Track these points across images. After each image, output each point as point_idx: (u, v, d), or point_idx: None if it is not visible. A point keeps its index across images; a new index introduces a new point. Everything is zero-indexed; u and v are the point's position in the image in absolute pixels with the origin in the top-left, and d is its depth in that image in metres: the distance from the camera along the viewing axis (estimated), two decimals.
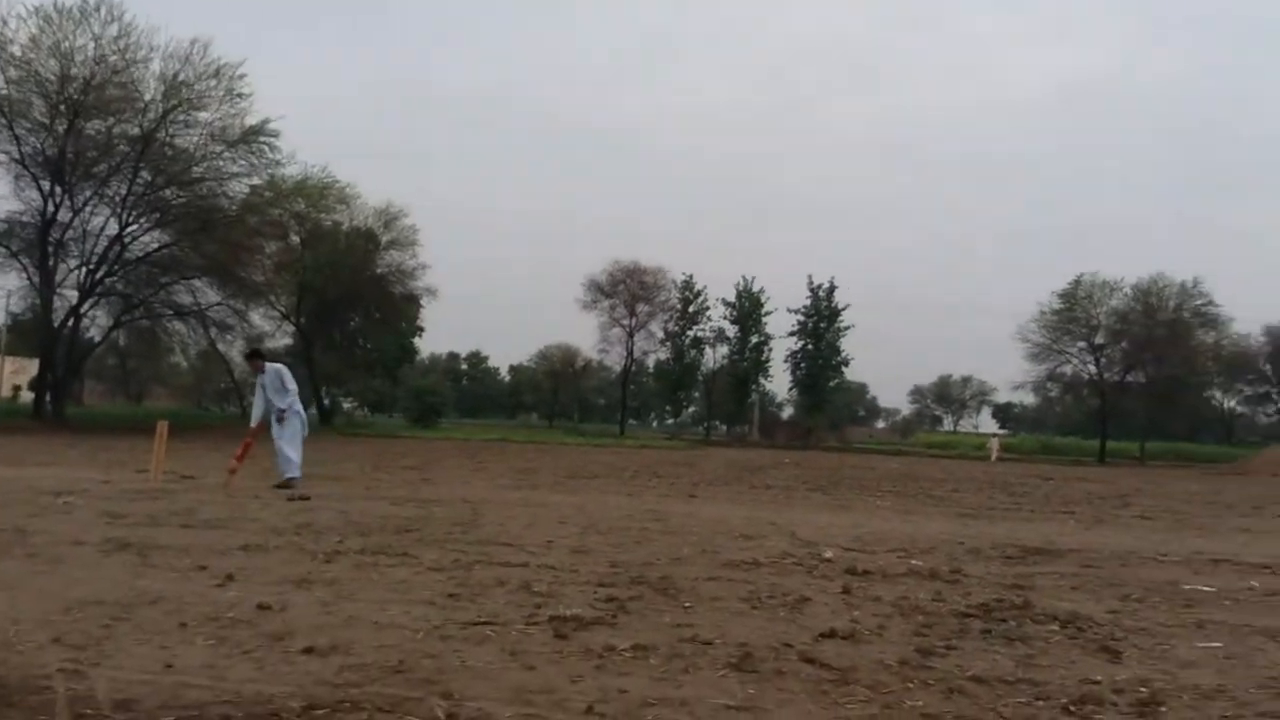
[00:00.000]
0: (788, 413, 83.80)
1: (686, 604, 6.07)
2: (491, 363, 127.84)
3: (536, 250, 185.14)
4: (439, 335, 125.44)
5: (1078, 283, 57.16)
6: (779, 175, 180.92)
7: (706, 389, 71.74)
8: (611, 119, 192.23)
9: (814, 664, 4.67)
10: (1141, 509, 17.06)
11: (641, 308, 67.63)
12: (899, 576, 7.58)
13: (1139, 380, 57.43)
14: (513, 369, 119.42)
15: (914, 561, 8.41)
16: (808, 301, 67.08)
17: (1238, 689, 4.52)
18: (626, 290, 66.98)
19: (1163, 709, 4.15)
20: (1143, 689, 4.43)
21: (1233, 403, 73.85)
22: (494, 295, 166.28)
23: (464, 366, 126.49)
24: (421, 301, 58.21)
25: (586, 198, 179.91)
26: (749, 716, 3.83)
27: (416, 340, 64.92)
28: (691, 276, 67.97)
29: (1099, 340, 56.90)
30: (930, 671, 4.61)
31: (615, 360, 72.32)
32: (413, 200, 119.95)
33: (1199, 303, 56.07)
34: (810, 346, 67.00)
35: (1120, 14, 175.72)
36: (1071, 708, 4.11)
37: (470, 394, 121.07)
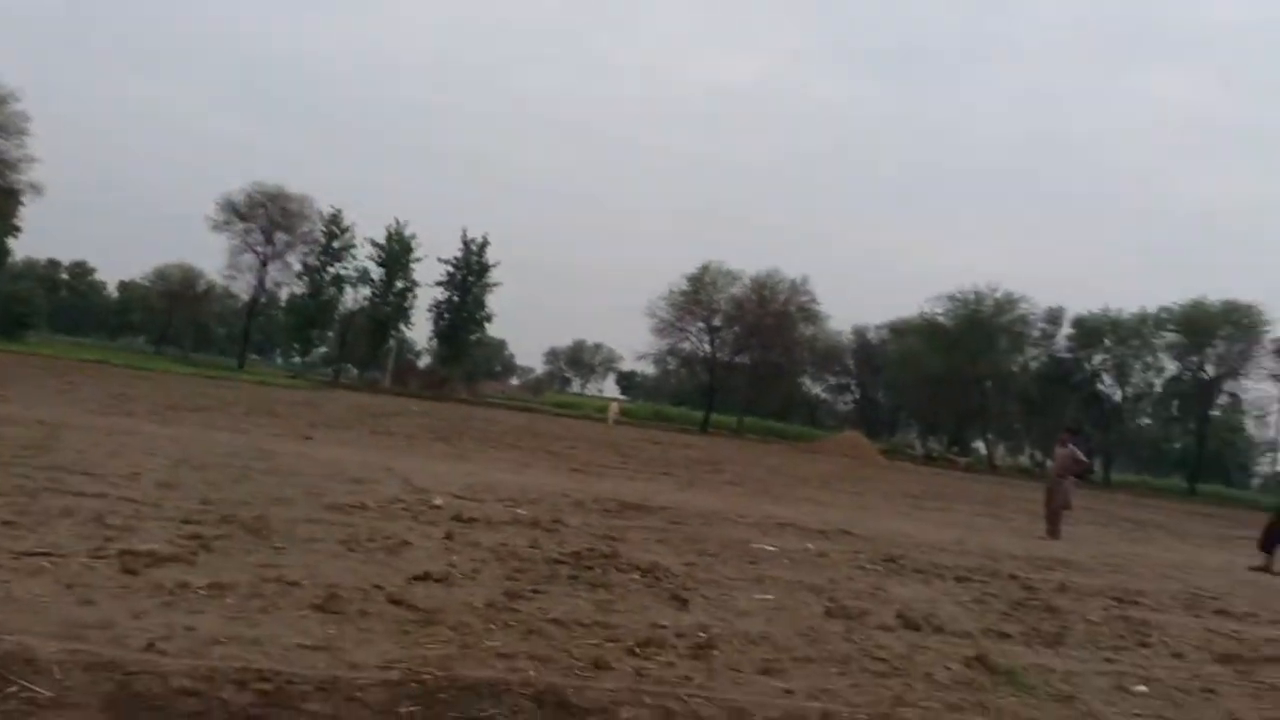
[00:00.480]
0: (425, 362, 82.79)
1: (278, 545, 5.83)
2: (99, 276, 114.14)
3: (167, 160, 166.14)
4: (40, 239, 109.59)
5: (705, 268, 61.98)
6: (455, 132, 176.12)
7: (342, 330, 68.66)
8: (290, 46, 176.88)
9: (401, 605, 4.68)
10: (731, 475, 18.80)
11: (281, 236, 63.47)
12: (502, 524, 7.79)
13: (746, 362, 63.26)
14: (123, 285, 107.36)
15: (519, 511, 8.67)
16: (459, 253, 66.46)
17: (781, 635, 5.12)
18: (266, 216, 62.48)
19: (715, 652, 4.60)
20: (702, 634, 4.89)
21: (819, 390, 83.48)
22: (113, 202, 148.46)
23: (64, 277, 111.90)
24: (22, 198, 50.92)
25: (234, 118, 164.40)
26: (325, 656, 3.77)
27: (10, 240, 56.56)
28: (340, 211, 64.74)
29: (716, 323, 62.10)
30: (514, 614, 4.79)
31: (243, 289, 67.46)
32: (30, 85, 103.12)
33: (804, 299, 62.93)
34: (456, 298, 66.39)
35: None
36: (636, 649, 4.45)
37: (69, 308, 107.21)
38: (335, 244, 64.91)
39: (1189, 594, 8.99)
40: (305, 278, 65.28)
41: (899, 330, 70.99)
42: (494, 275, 67.14)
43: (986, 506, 20.41)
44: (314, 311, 65.60)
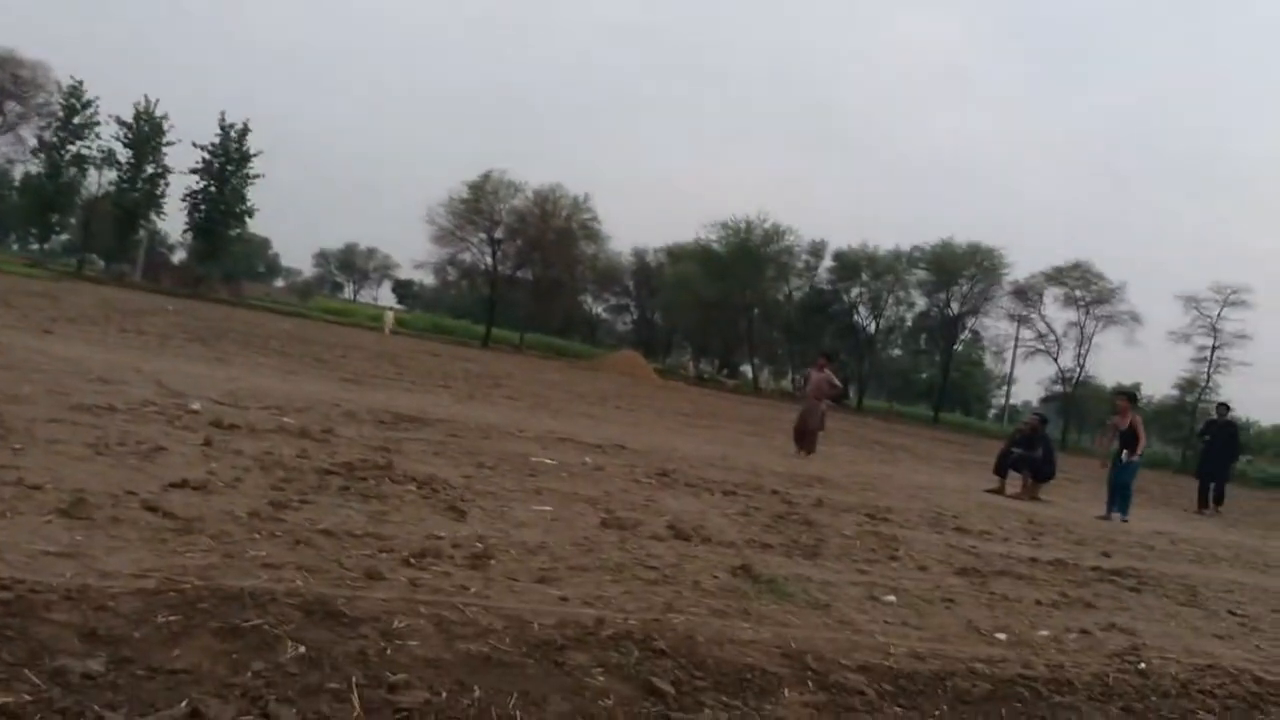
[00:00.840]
0: (179, 257, 76.93)
1: (17, 445, 5.28)
2: None
3: None
4: None
5: (487, 177, 60.30)
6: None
7: (85, 216, 62.33)
8: None
9: (157, 512, 4.35)
10: (510, 390, 18.74)
11: (11, 106, 56.59)
12: (267, 432, 7.40)
13: (527, 277, 62.78)
14: None
15: (286, 419, 8.27)
16: (217, 139, 61.39)
17: (558, 545, 5.15)
18: None
19: (492, 561, 4.56)
20: (479, 544, 4.84)
21: (599, 308, 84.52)
22: None
23: None
24: None
25: None
26: (72, 564, 3.44)
27: None
28: (82, 84, 58.09)
29: (498, 235, 60.96)
30: (280, 524, 4.55)
31: None
32: None
33: (587, 217, 62.80)
34: (213, 188, 61.39)
35: None
36: (412, 560, 4.34)
37: None
38: (76, 120, 57.85)
39: (933, 513, 9.79)
40: (42, 155, 58.31)
41: (676, 254, 72.45)
42: (256, 165, 62.40)
43: (751, 426, 21.41)
44: (52, 194, 58.52)
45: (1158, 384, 70.90)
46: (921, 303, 66.75)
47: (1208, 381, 57.39)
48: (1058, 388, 64.89)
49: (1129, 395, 14.77)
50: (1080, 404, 65.48)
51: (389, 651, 3.14)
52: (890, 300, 66.70)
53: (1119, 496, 13.04)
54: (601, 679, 3.24)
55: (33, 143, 57.54)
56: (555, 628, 3.67)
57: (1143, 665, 4.68)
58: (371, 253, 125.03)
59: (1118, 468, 13.18)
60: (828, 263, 66.96)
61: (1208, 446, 18.33)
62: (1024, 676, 4.15)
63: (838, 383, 16.42)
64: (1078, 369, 62.44)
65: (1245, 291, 56.40)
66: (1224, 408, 19.05)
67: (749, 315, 65.65)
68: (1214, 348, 57.55)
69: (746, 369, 72.82)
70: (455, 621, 3.55)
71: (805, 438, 15.15)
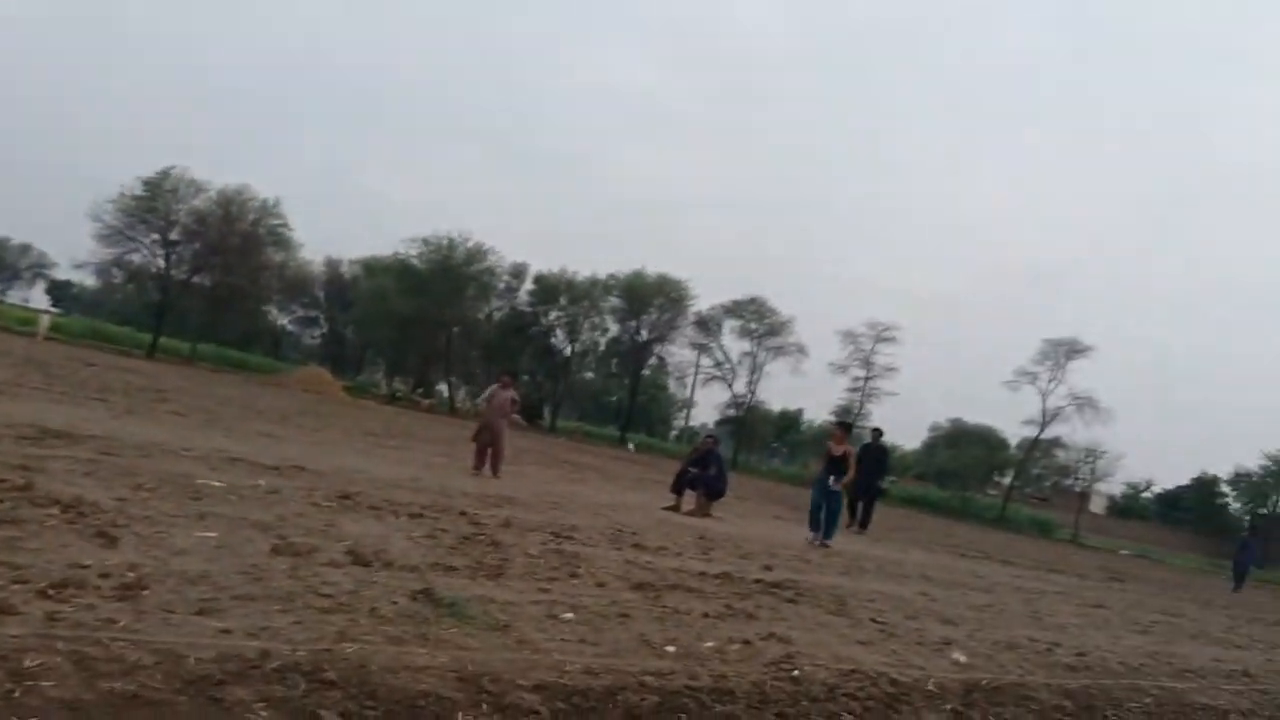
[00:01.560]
0: None
1: None
2: None
3: None
4: None
5: (166, 174, 55.52)
6: None
7: None
8: None
9: None
10: (178, 405, 17.35)
11: None
12: None
13: (204, 283, 58.33)
14: None
15: None
16: None
17: (222, 574, 4.82)
18: None
19: (146, 592, 4.20)
20: (131, 574, 4.44)
21: (285, 320, 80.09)
22: None
23: None
24: None
25: None
26: None
27: None
28: None
29: (174, 236, 56.19)
30: None
31: None
32: None
33: (275, 222, 59.31)
34: None
35: None
36: (51, 591, 3.92)
37: None
38: None
39: (614, 530, 10.13)
40: None
41: (372, 268, 70.47)
42: None
43: (445, 446, 21.16)
44: None
45: (818, 410, 77.86)
46: (614, 328, 69.23)
47: (861, 408, 63.88)
48: (731, 411, 69.53)
49: (845, 426, 16.45)
50: (751, 427, 70.63)
51: (17, 694, 2.83)
52: (586, 325, 68.62)
53: (828, 521, 13.95)
54: (264, 714, 3.09)
55: None
56: (214, 662, 3.44)
57: (796, 672, 5.09)
58: (25, 248, 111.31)
59: (826, 493, 14.05)
60: (528, 285, 67.85)
61: (860, 466, 19.81)
62: (690, 688, 4.39)
63: (518, 399, 16.55)
64: (749, 394, 67.52)
65: (895, 329, 63.72)
66: (877, 432, 20.72)
67: (448, 333, 64.90)
68: (867, 378, 64.36)
69: (443, 387, 71.93)
70: (99, 658, 3.25)
71: (497, 458, 15.16)
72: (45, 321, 49.41)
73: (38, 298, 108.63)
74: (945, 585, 11.44)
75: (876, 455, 19.30)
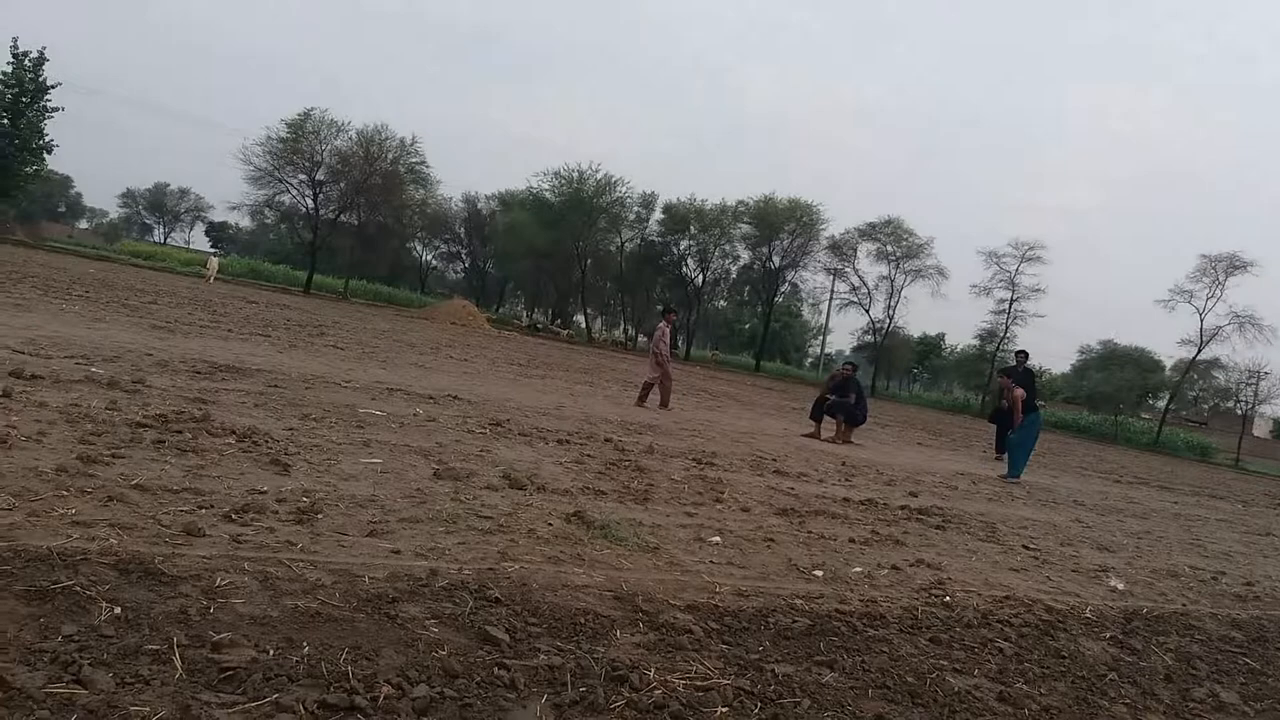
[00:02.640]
0: None
1: None
2: None
3: None
4: None
5: (307, 116, 57.31)
6: None
7: None
8: None
9: None
10: (335, 339, 18.14)
11: None
12: (73, 383, 6.94)
13: (351, 221, 60.36)
14: None
15: (93, 369, 7.77)
16: (8, 68, 56.09)
17: (389, 498, 5.08)
18: None
19: (320, 516, 4.47)
20: (305, 498, 4.72)
21: (430, 256, 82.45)
22: None
23: None
24: None
25: None
26: None
27: None
28: None
29: (320, 176, 58.17)
30: (90, 479, 4.31)
31: None
32: None
33: (414, 160, 60.76)
34: (6, 122, 56.32)
35: None
36: (234, 515, 4.20)
37: None
38: None
39: (754, 456, 10.17)
40: None
41: (508, 202, 71.59)
42: (55, 98, 57.63)
43: (584, 375, 21.54)
44: None
45: (960, 334, 75.51)
46: (745, 256, 68.63)
47: (1006, 332, 61.70)
48: (869, 338, 68.23)
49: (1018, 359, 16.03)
50: (890, 352, 69.17)
51: (212, 610, 3.06)
52: (717, 253, 68.23)
53: (1014, 456, 13.83)
54: (435, 630, 3.25)
55: None
56: (386, 581, 3.65)
57: (947, 598, 5.06)
58: (183, 193, 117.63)
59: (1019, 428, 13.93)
60: (658, 215, 67.78)
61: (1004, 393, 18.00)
62: (840, 611, 4.41)
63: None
64: (887, 320, 65.95)
65: (1040, 247, 60.87)
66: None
67: (581, 265, 65.72)
68: (1012, 300, 61.92)
69: (580, 318, 73.06)
70: (281, 578, 3.48)
71: (667, 389, 15.42)
72: (214, 264, 51.88)
73: (198, 239, 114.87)
74: (1099, 511, 11.08)
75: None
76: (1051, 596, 5.57)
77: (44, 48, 56.68)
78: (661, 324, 16.31)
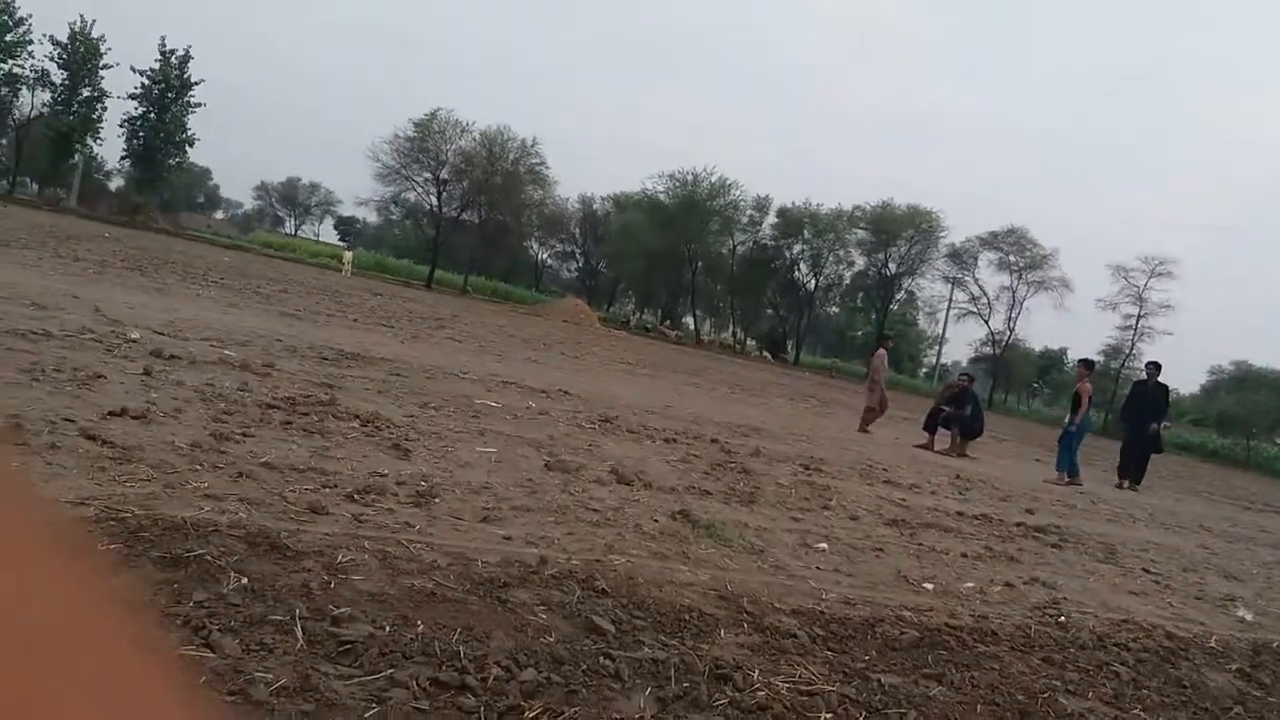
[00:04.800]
0: (116, 185, 74.66)
1: None
2: None
3: None
4: None
5: (434, 115, 58.91)
6: None
7: (17, 138, 59.88)
8: None
9: (96, 440, 4.30)
10: (454, 332, 18.61)
11: None
12: (208, 364, 7.29)
13: (472, 219, 61.82)
14: None
15: (227, 352, 8.15)
16: (156, 65, 59.29)
17: (502, 486, 5.20)
18: None
19: (436, 500, 4.60)
20: (423, 483, 4.87)
21: (545, 255, 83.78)
22: None
23: None
24: None
25: None
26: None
27: None
28: (12, 1, 55.57)
29: (444, 175, 59.74)
30: (222, 456, 4.53)
31: None
32: None
33: (534, 161, 61.86)
34: (152, 115, 59.51)
35: None
36: (356, 495, 4.36)
37: None
38: (7, 37, 55.75)
39: (864, 465, 10.02)
40: None
41: (622, 204, 72.18)
42: (198, 94, 60.66)
43: (693, 376, 21.57)
44: None
45: (1084, 349, 72.71)
46: (860, 262, 67.62)
47: (1132, 348, 59.18)
48: (987, 349, 66.35)
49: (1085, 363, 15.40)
50: (1009, 365, 67.11)
51: (332, 585, 3.17)
52: (830, 258, 67.39)
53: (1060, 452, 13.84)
54: (544, 616, 3.31)
55: None
56: (499, 566, 3.73)
57: (1062, 618, 4.89)
58: (314, 187, 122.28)
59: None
60: (771, 219, 67.37)
61: (1134, 408, 16.09)
62: (950, 626, 4.31)
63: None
64: (1007, 331, 63.98)
65: (1171, 262, 58.15)
66: (1154, 367, 16.63)
67: (693, 267, 65.78)
68: (1140, 316, 59.37)
69: (689, 320, 73.12)
70: (399, 557, 3.60)
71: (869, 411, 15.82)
72: (349, 257, 53.70)
73: (327, 232, 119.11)
74: (1227, 539, 10.55)
75: (1154, 395, 15.95)
76: (1173, 623, 5.33)
77: (189, 46, 59.69)
78: (880, 350, 16.64)
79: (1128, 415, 16.26)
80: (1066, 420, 14.19)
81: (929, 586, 5.01)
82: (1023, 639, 4.36)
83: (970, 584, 5.27)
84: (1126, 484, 15.16)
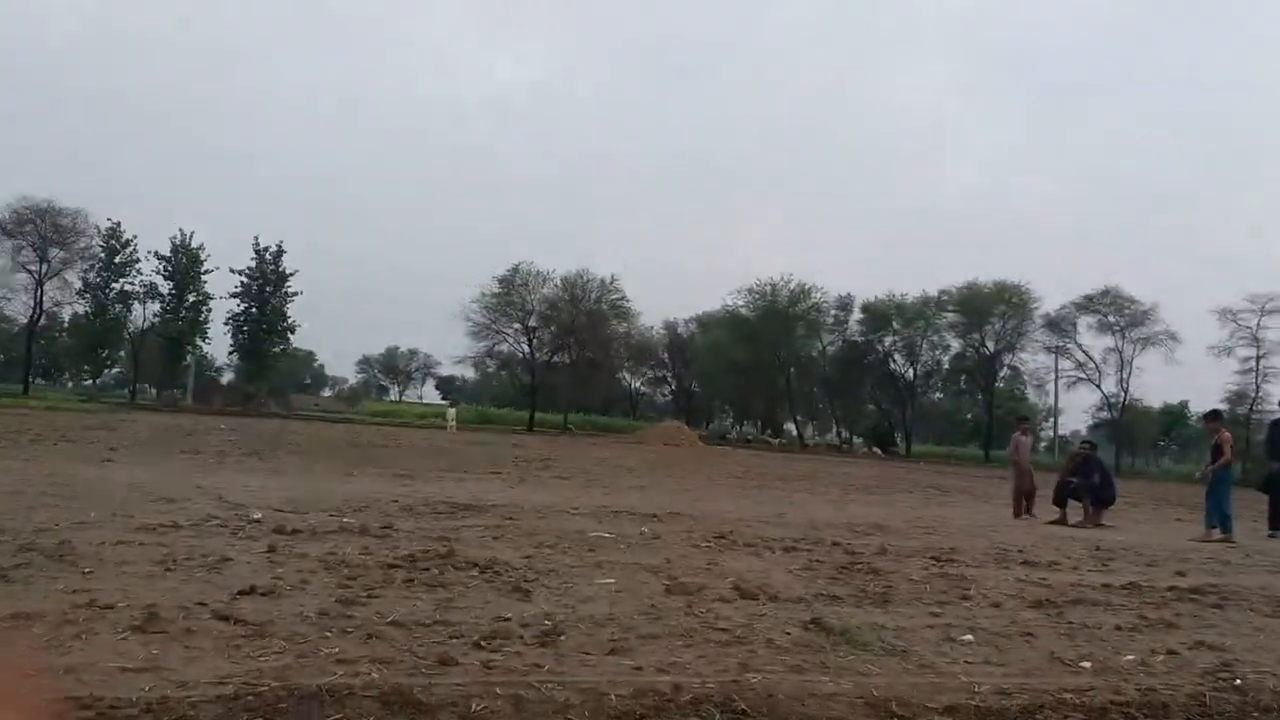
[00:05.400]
0: (228, 378, 78.79)
1: (87, 569, 5.39)
2: None
3: None
4: None
5: (516, 270, 61.43)
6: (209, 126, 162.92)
7: (134, 349, 63.97)
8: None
9: (229, 621, 4.40)
10: (560, 471, 18.75)
11: (55, 253, 58.34)
12: (329, 534, 7.46)
13: (564, 360, 63.23)
14: None
15: (346, 519, 8.33)
16: (252, 263, 63.29)
17: (625, 616, 5.13)
18: (36, 232, 57.38)
19: (563, 638, 4.55)
20: (547, 622, 4.83)
21: (638, 383, 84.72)
22: None
23: None
24: None
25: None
26: (150, 677, 3.48)
27: None
28: (119, 224, 60.36)
29: (532, 323, 61.70)
30: (349, 620, 4.58)
31: (19, 311, 61.85)
32: None
33: (615, 297, 63.50)
34: (254, 310, 63.16)
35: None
36: (483, 643, 4.34)
37: None
38: (117, 259, 60.31)
39: (997, 549, 9.61)
40: (88, 295, 60.33)
41: (705, 323, 73.03)
42: (294, 284, 64.33)
43: (803, 482, 21.21)
44: (100, 330, 61.01)
45: (1205, 400, 69.28)
46: (956, 344, 66.55)
47: (1257, 392, 56.30)
48: (1104, 414, 63.89)
49: (1214, 414, 14.63)
50: (1129, 427, 64.37)
51: None
52: (924, 345, 66.58)
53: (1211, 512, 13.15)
54: None
55: (78, 285, 59.44)
56: (632, 697, 3.65)
57: (1238, 681, 4.55)
58: (413, 354, 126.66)
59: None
60: (856, 315, 67.21)
61: (1275, 448, 14.68)
62: (1115, 703, 4.05)
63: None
64: (1122, 393, 61.57)
65: None
66: None
67: (785, 374, 65.64)
68: (1259, 357, 56.63)
69: (790, 426, 72.49)
70: (532, 700, 3.55)
71: (1030, 499, 15.43)
72: (452, 414, 55.30)
73: (429, 393, 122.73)
74: None
75: None
76: None
77: (280, 241, 63.56)
78: (1016, 434, 16.77)
79: (1269, 456, 14.91)
80: (1207, 469, 13.66)
81: (1086, 665, 4.72)
82: (1198, 708, 4.07)
83: (1130, 656, 4.95)
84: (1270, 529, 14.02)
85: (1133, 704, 4.04)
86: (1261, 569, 9.52)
